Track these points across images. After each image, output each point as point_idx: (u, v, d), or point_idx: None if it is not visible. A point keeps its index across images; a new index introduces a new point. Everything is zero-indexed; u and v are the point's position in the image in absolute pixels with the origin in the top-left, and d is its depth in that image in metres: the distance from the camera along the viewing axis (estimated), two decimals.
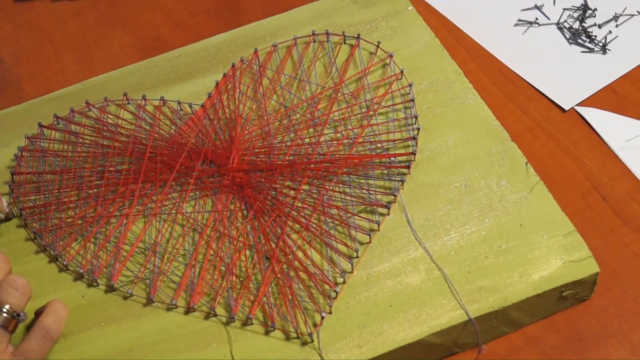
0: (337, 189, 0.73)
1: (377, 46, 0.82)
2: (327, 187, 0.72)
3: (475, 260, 0.67)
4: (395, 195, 0.72)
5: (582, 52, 0.86)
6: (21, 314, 0.65)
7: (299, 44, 0.84)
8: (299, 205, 0.72)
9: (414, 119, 0.77)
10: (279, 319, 0.66)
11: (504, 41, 0.88)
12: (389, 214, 0.71)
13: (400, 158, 0.74)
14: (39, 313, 0.67)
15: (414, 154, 0.74)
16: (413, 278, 0.67)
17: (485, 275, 0.67)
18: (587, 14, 0.89)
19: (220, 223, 0.72)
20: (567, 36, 0.88)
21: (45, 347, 0.64)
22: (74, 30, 0.96)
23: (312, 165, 0.74)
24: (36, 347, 0.63)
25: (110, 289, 0.70)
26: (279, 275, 0.68)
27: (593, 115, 0.81)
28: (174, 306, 0.68)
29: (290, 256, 0.69)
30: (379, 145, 0.75)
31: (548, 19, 0.90)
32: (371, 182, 0.73)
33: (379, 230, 0.70)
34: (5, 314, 0.63)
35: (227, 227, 0.71)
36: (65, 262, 0.71)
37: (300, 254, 0.69)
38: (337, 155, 0.74)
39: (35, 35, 0.96)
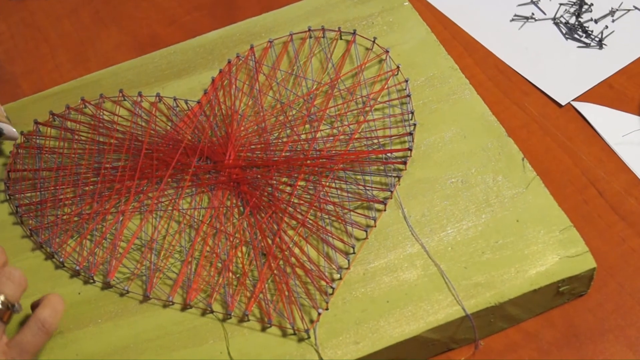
0: (333, 185, 0.73)
1: (373, 42, 0.82)
2: (323, 183, 0.72)
3: (471, 255, 0.67)
4: (391, 191, 0.71)
5: (579, 47, 0.86)
6: (15, 305, 0.64)
7: (295, 40, 0.84)
8: (296, 201, 0.72)
9: (410, 115, 0.76)
10: (276, 316, 0.66)
11: (501, 36, 0.88)
12: (385, 210, 0.71)
13: (396, 154, 0.74)
14: (35, 306, 0.66)
15: (410, 149, 0.74)
16: (410, 274, 0.67)
17: (481, 271, 0.66)
18: (583, 9, 0.89)
19: (216, 219, 0.72)
20: (564, 31, 0.88)
21: (40, 340, 0.64)
22: (68, 28, 0.96)
23: (308, 162, 0.74)
24: (31, 339, 0.63)
25: (106, 286, 0.69)
26: (275, 271, 0.68)
27: (589, 111, 0.81)
28: (171, 303, 0.68)
29: (286, 252, 0.69)
30: (376, 141, 0.75)
31: (544, 14, 0.89)
32: (367, 178, 0.73)
33: (375, 226, 0.70)
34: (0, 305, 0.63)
35: (224, 223, 0.71)
36: (61, 259, 0.71)
37: (296, 250, 0.69)
38: (333, 152, 0.74)
39: (30, 33, 0.96)
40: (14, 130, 0.76)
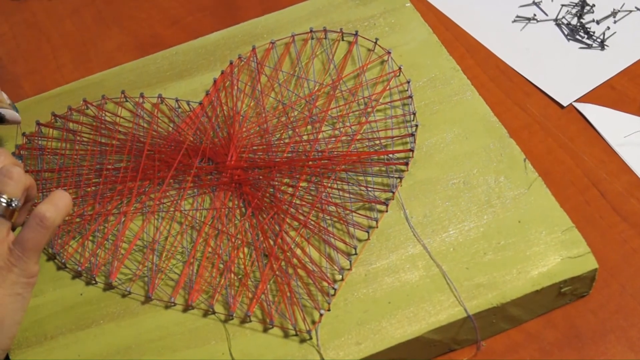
0: (335, 186, 0.73)
1: (375, 43, 0.82)
2: (325, 184, 0.72)
3: (473, 256, 0.67)
4: (393, 192, 0.72)
5: (580, 48, 0.86)
6: (14, 200, 0.62)
7: (297, 41, 0.84)
8: (297, 202, 0.72)
9: (412, 116, 0.76)
10: (278, 317, 0.66)
11: (502, 37, 0.88)
12: (387, 211, 0.71)
13: (398, 155, 0.74)
14: None
15: (412, 150, 0.74)
16: (411, 275, 0.67)
17: (483, 272, 0.67)
18: (585, 10, 0.89)
19: (218, 220, 0.72)
20: (565, 32, 0.88)
21: (40, 236, 0.61)
22: (70, 29, 0.96)
23: (310, 163, 0.74)
24: (31, 235, 0.61)
25: (108, 286, 0.69)
26: (277, 272, 0.68)
27: (591, 111, 0.81)
28: (173, 304, 0.68)
29: (288, 253, 0.69)
30: (377, 142, 0.75)
31: (546, 15, 0.89)
32: (369, 179, 0.73)
33: (377, 227, 0.70)
34: (3, 204, 0.61)
35: (226, 224, 0.71)
36: (63, 260, 0.71)
37: (298, 251, 0.69)
38: (335, 153, 0.74)
39: (32, 34, 0.96)
40: (17, 114, 0.76)
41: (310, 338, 0.65)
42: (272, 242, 0.69)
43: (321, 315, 0.65)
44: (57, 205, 0.62)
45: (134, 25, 0.95)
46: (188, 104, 0.80)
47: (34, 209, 0.62)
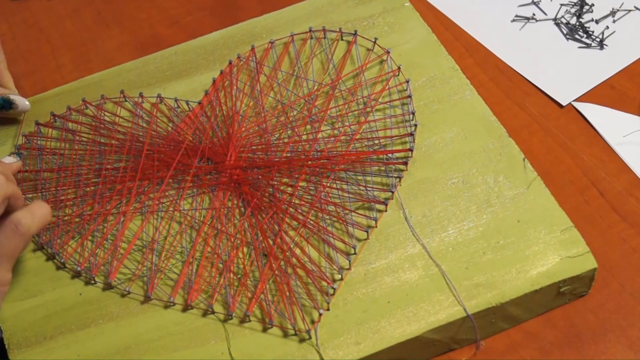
0: (334, 185, 0.73)
1: (374, 42, 0.82)
2: (324, 183, 0.72)
3: (473, 256, 0.67)
4: (392, 192, 0.72)
5: (580, 47, 0.86)
6: None
7: (296, 40, 0.84)
8: (297, 202, 0.72)
9: (411, 115, 0.76)
10: (277, 316, 0.66)
11: (501, 37, 0.88)
12: (386, 211, 0.71)
13: (397, 154, 0.74)
14: None
15: (411, 150, 0.74)
16: (411, 274, 0.67)
17: (483, 271, 0.67)
18: (584, 10, 0.89)
19: (217, 220, 0.72)
20: (565, 32, 0.88)
21: (15, 242, 0.62)
22: (70, 29, 0.96)
23: (309, 162, 0.74)
24: (5, 241, 0.61)
25: (107, 286, 0.69)
26: (276, 272, 0.68)
27: (590, 111, 0.81)
28: (172, 304, 0.68)
29: (287, 253, 0.69)
30: (377, 141, 0.75)
31: (545, 14, 0.89)
32: (368, 178, 0.73)
33: (376, 226, 0.70)
34: None
35: (225, 224, 0.71)
36: (62, 260, 0.71)
37: (297, 251, 0.69)
38: (334, 152, 0.74)
39: (32, 34, 0.96)
40: (26, 101, 0.76)
41: (310, 338, 0.65)
42: (271, 242, 0.70)
43: (320, 314, 0.65)
44: (34, 213, 0.62)
45: (134, 25, 0.95)
46: (187, 104, 0.80)
47: (10, 216, 0.62)
